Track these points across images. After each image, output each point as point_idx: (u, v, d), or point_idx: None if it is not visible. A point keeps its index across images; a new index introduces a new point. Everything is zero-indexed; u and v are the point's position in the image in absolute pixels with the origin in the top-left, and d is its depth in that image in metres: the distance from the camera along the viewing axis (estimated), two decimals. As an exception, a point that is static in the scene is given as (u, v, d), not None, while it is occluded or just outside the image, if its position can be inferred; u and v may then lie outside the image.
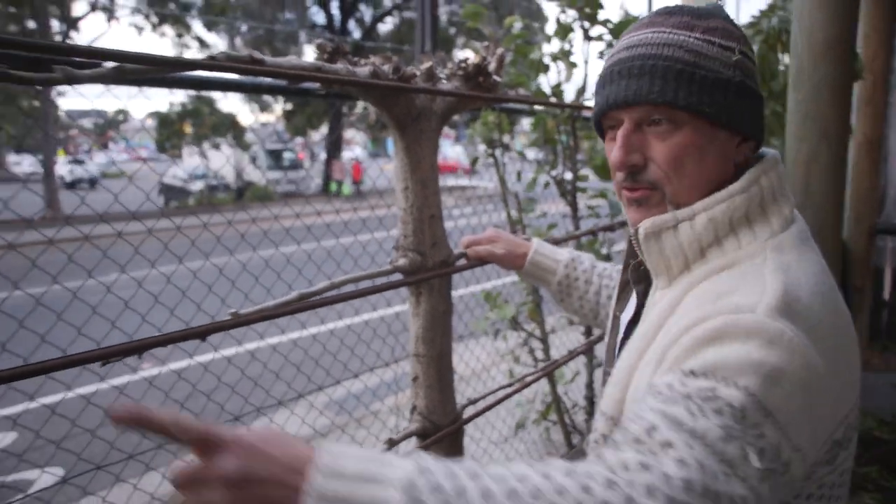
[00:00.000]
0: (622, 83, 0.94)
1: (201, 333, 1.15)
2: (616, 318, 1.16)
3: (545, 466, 0.72)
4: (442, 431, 1.71)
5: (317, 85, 1.42)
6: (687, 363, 0.80)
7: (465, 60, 1.71)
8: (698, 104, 0.91)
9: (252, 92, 1.93)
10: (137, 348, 1.07)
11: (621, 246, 2.62)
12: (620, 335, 1.11)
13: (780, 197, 0.95)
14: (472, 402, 1.89)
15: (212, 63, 1.13)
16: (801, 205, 2.46)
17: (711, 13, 0.97)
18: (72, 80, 0.94)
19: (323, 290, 1.36)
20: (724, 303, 0.84)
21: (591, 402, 3.45)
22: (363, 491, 0.67)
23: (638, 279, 1.06)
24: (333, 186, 24.85)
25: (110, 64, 1.01)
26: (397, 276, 1.61)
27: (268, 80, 1.48)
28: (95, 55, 0.95)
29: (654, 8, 1.03)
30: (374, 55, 1.53)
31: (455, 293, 1.78)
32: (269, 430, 0.73)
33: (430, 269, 1.60)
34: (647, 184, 0.96)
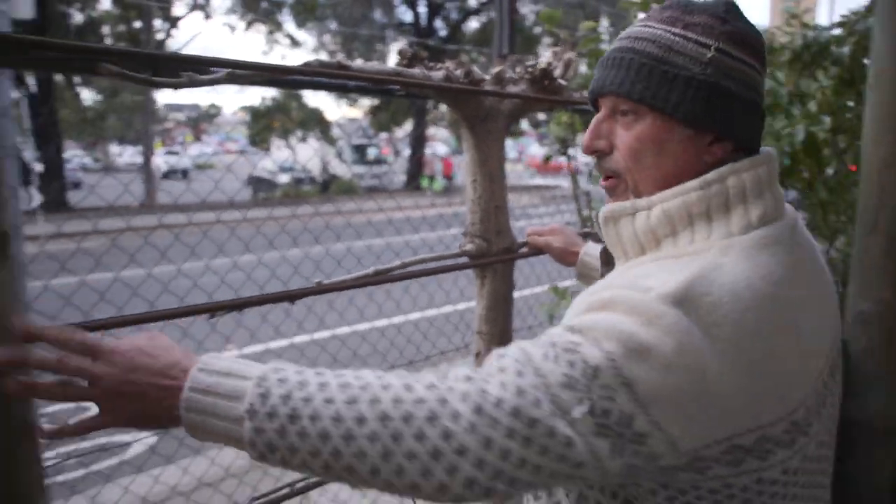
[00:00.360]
0: (602, 72, 1.00)
1: (293, 296, 1.36)
2: None
3: (390, 374, 0.84)
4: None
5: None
6: (570, 321, 0.87)
7: (533, 65, 1.87)
8: (652, 98, 0.94)
9: (340, 91, 2.14)
10: (239, 305, 1.28)
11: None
12: None
13: (751, 199, 0.93)
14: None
15: (306, 69, 1.33)
16: (874, 208, 2.49)
17: (706, 8, 0.96)
18: (195, 84, 1.15)
19: (395, 268, 1.55)
20: (629, 280, 0.89)
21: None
22: (227, 382, 0.81)
23: (607, 261, 1.13)
24: (425, 181, 25.44)
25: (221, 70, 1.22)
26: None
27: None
28: (216, 64, 1.15)
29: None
30: (457, 57, 1.71)
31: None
32: (151, 338, 0.87)
33: (494, 255, 1.77)
34: (612, 172, 1.01)
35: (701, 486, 0.86)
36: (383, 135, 34.24)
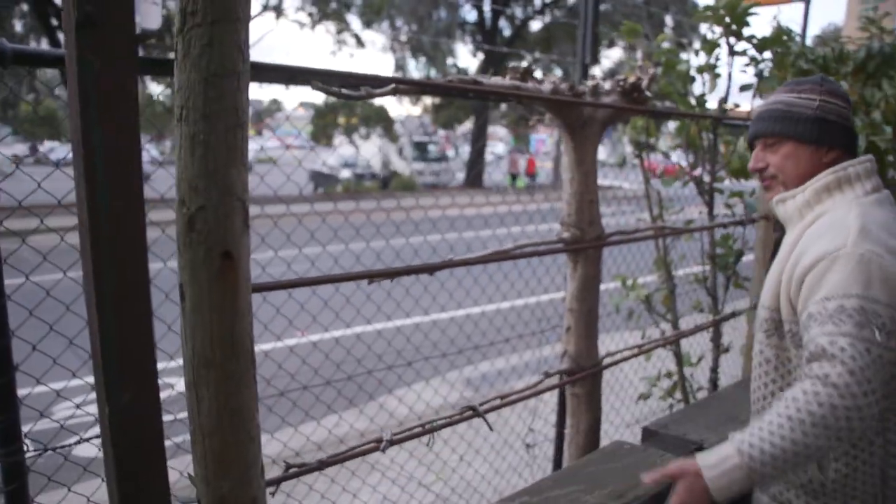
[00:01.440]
0: (753, 126, 1.72)
1: (430, 269, 1.68)
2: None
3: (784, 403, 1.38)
4: (584, 372, 2.17)
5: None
6: (819, 293, 1.43)
7: (625, 79, 2.15)
8: (786, 131, 1.64)
9: (476, 98, 2.44)
10: (389, 274, 1.61)
11: (752, 242, 2.97)
12: None
13: (864, 178, 1.58)
14: (611, 354, 2.34)
15: (450, 84, 1.65)
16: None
17: (808, 80, 1.68)
18: (372, 96, 1.48)
19: (510, 250, 1.86)
20: (826, 242, 1.46)
21: (714, 384, 3.77)
22: (721, 469, 1.38)
23: (777, 228, 1.73)
24: (509, 179, 26.13)
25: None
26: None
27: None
28: (387, 81, 1.48)
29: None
30: (520, 59, 2.00)
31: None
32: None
33: (587, 242, 2.07)
34: (770, 177, 1.69)
35: None
36: (442, 132, 34.61)
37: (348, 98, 1.44)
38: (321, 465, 1.44)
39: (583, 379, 2.18)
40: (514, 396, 1.96)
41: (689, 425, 2.19)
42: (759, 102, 3.24)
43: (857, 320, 1.35)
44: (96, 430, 1.32)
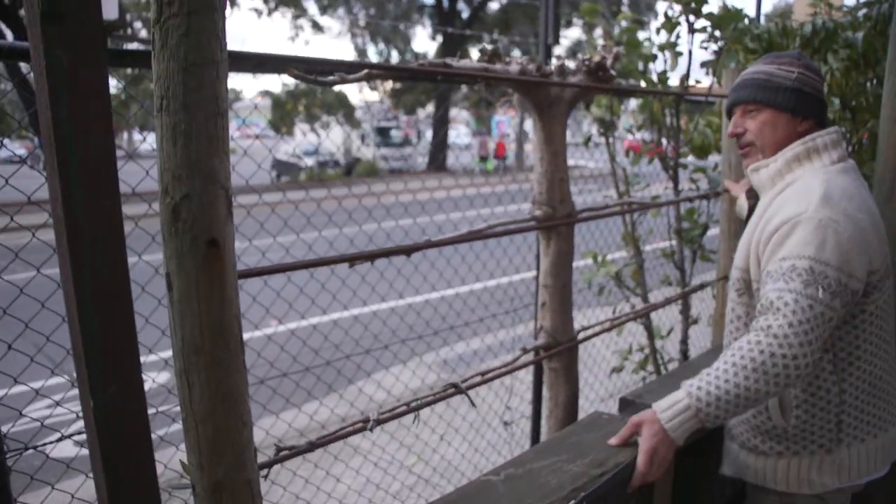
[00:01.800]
0: (734, 93, 1.81)
1: (407, 250, 1.70)
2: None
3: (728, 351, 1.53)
4: (561, 346, 2.22)
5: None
6: (779, 253, 1.56)
7: (589, 58, 2.19)
8: (767, 99, 1.74)
9: (447, 81, 2.45)
10: (368, 256, 1.63)
11: (717, 216, 3.04)
12: None
13: (831, 148, 1.71)
14: (585, 328, 2.39)
15: (420, 68, 1.66)
16: (891, 179, 2.77)
17: (787, 54, 1.80)
18: (346, 82, 1.49)
19: (483, 230, 1.89)
20: (791, 207, 1.59)
21: (685, 355, 3.86)
22: (673, 410, 1.55)
23: (751, 196, 1.87)
24: (477, 162, 26.18)
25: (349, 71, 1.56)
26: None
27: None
28: (360, 66, 1.50)
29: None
30: (481, 42, 2.03)
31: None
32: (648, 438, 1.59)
33: (559, 220, 2.11)
34: (748, 143, 1.80)
35: (865, 309, 1.62)
36: (404, 117, 34.45)
37: (323, 84, 1.45)
38: (311, 447, 1.46)
39: (560, 353, 2.22)
40: (494, 373, 2.00)
41: (663, 393, 2.23)
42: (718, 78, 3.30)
43: (805, 279, 1.49)
44: (76, 426, 1.32)
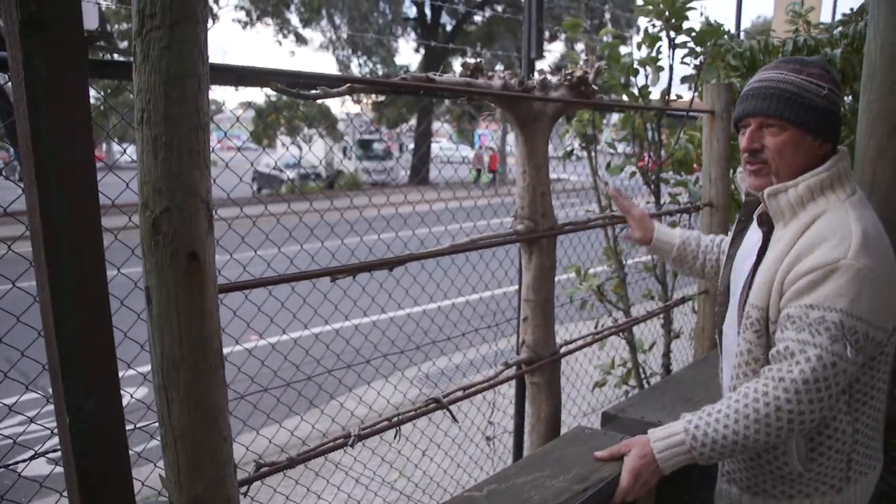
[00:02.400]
0: (753, 101, 1.58)
1: (389, 263, 1.69)
2: (730, 258, 1.83)
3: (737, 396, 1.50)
4: (543, 360, 2.22)
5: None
6: (806, 299, 1.45)
7: (572, 73, 2.20)
8: (795, 118, 1.53)
9: (429, 95, 2.45)
10: (351, 270, 1.62)
11: (699, 229, 3.06)
12: (734, 268, 1.80)
13: (849, 175, 1.57)
14: (568, 342, 2.39)
15: (403, 83, 1.66)
16: (868, 193, 2.81)
17: (814, 62, 1.57)
18: (328, 96, 1.48)
19: (467, 243, 1.89)
20: (826, 250, 1.45)
21: (667, 369, 3.87)
22: (667, 442, 1.54)
23: (762, 223, 1.68)
24: (473, 175, 26.17)
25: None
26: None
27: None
28: (342, 80, 1.49)
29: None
30: (468, 57, 2.04)
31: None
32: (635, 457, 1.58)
33: (540, 232, 2.11)
34: (761, 160, 1.59)
35: (884, 350, 1.54)
36: (386, 130, 34.45)
37: (305, 98, 1.44)
38: (292, 463, 1.45)
39: (542, 368, 2.22)
40: (476, 387, 1.99)
41: (647, 408, 2.25)
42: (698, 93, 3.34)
43: (833, 334, 1.41)
44: (51, 444, 1.30)
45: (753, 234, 1.74)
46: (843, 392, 1.54)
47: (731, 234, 1.90)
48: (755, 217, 1.73)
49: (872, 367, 1.56)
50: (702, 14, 4.01)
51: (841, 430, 1.58)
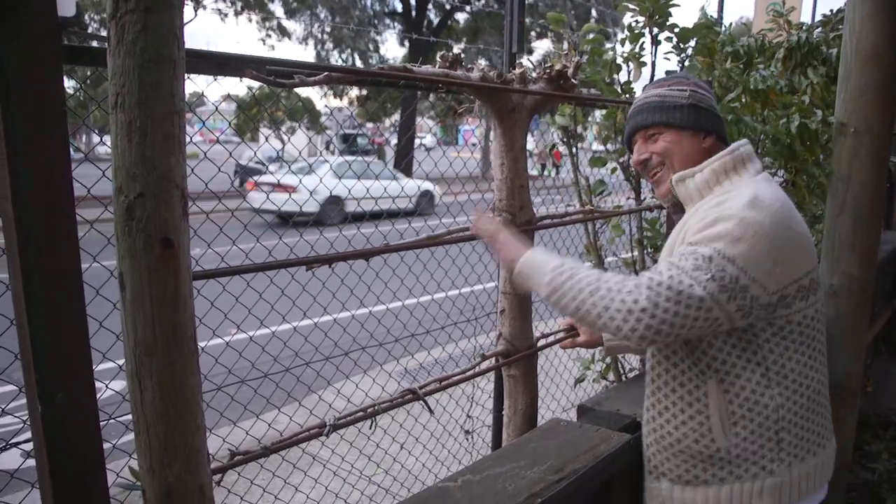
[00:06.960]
0: (631, 121, 1.80)
1: (366, 254, 1.70)
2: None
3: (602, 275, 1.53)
4: (520, 353, 2.23)
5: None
6: (687, 240, 1.54)
7: (551, 67, 2.21)
8: (666, 119, 1.72)
9: (408, 88, 2.45)
10: (327, 259, 1.62)
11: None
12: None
13: (751, 159, 1.69)
14: (545, 335, 2.40)
15: (382, 73, 1.66)
16: (843, 192, 2.85)
17: (676, 75, 1.84)
18: (305, 84, 1.48)
19: (442, 235, 1.90)
20: (718, 209, 1.54)
21: (645, 364, 3.90)
22: (534, 271, 1.61)
23: (675, 210, 1.81)
24: (537, 169, 26.23)
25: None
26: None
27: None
28: (319, 69, 1.49)
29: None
30: (449, 49, 2.04)
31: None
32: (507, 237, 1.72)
33: (518, 226, 2.11)
34: (655, 166, 1.76)
35: (792, 319, 1.58)
36: (369, 125, 34.38)
37: (282, 86, 1.44)
38: (266, 452, 1.45)
39: (518, 360, 2.23)
40: (453, 379, 2.00)
41: (622, 401, 2.27)
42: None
43: (699, 264, 1.45)
44: (24, 436, 1.28)
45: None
46: (759, 364, 1.58)
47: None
48: (671, 207, 1.85)
49: (784, 336, 1.59)
50: (701, 9, 4.02)
51: (762, 403, 1.59)
